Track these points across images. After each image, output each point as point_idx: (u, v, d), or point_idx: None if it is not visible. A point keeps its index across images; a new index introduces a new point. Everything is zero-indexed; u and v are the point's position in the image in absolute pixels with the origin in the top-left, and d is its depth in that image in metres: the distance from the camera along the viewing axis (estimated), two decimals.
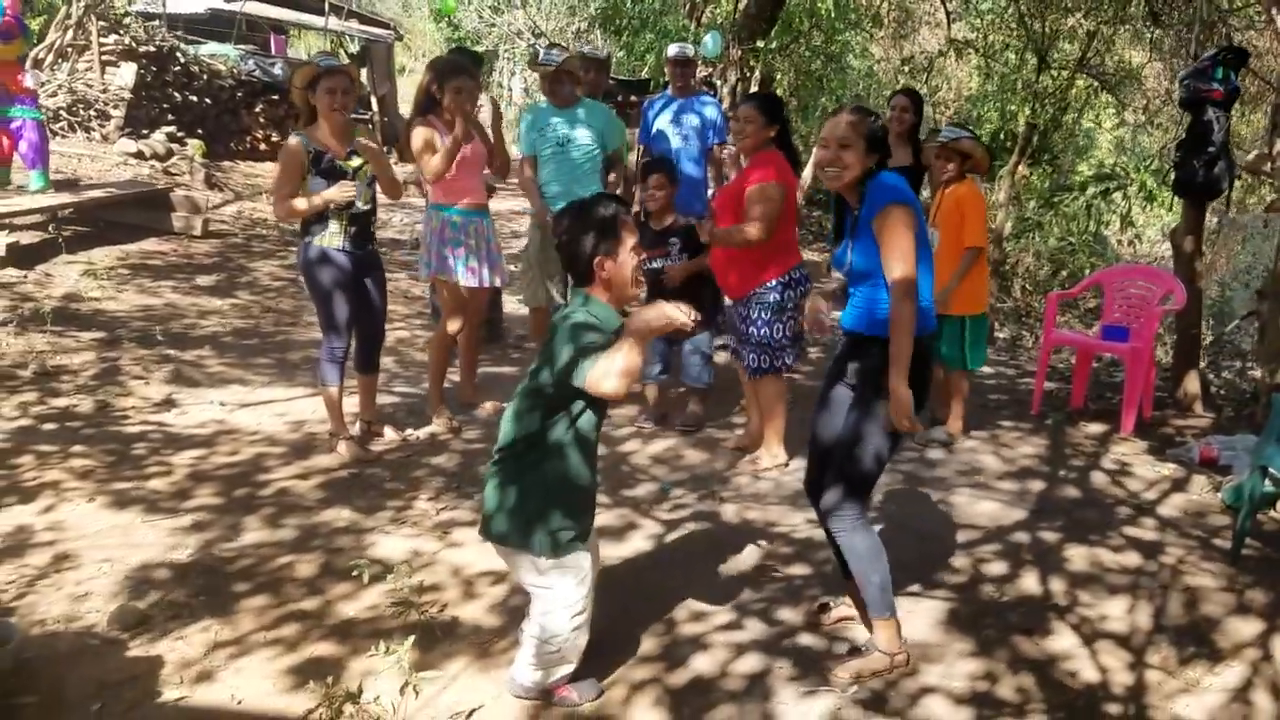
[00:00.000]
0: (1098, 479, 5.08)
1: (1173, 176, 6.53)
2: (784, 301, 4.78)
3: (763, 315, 4.79)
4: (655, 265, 5.47)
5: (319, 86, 4.57)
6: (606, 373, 2.71)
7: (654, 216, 5.56)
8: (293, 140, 4.62)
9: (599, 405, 2.95)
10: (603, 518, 4.36)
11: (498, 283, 5.35)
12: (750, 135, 4.69)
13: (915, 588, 3.86)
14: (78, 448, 4.71)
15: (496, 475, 2.98)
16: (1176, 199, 7.75)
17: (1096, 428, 5.87)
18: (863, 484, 3.21)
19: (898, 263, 3.05)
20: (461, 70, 5.03)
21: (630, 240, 2.97)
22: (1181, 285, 5.87)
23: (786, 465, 5.04)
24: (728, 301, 5.26)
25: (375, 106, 16.95)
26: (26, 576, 3.63)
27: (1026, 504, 4.73)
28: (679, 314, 2.81)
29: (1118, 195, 10.55)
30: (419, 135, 5.00)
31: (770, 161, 4.70)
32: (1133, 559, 4.17)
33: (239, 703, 3.03)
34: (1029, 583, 3.95)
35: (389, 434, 5.14)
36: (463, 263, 5.13)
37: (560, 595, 2.92)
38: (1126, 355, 5.81)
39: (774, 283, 4.77)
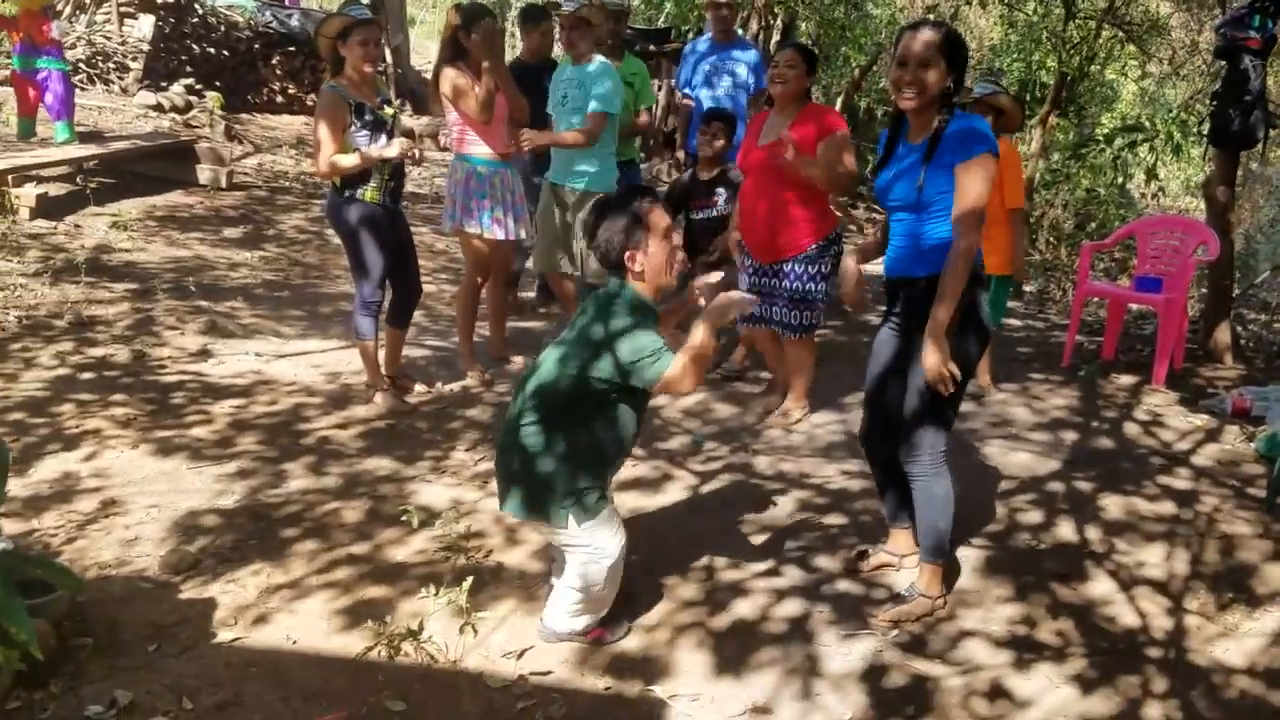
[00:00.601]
0: (1130, 430, 5.10)
1: (1206, 126, 6.46)
2: (823, 255, 4.71)
3: (807, 270, 4.68)
4: (701, 216, 5.43)
5: (352, 37, 4.53)
6: (682, 375, 2.85)
7: (703, 165, 5.52)
8: (330, 92, 4.59)
9: (645, 399, 3.04)
10: (638, 470, 4.41)
11: (522, 235, 5.29)
12: (792, 81, 4.53)
13: (952, 536, 3.89)
14: (117, 396, 4.77)
15: (517, 450, 2.99)
16: (1203, 152, 7.68)
17: (1128, 379, 5.87)
18: (941, 428, 3.19)
19: (972, 220, 2.97)
20: (489, 13, 4.97)
21: (660, 228, 3.01)
22: (1215, 236, 5.84)
23: (810, 417, 5.05)
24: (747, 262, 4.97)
25: (389, 58, 16.81)
26: (75, 522, 3.70)
27: (1060, 454, 4.75)
28: (741, 302, 3.00)
29: (1143, 147, 10.44)
30: (449, 79, 4.95)
31: (829, 113, 4.63)
32: (1168, 507, 4.19)
33: (294, 643, 3.09)
34: (1065, 531, 3.98)
35: (418, 388, 5.17)
36: (489, 214, 5.10)
37: (598, 549, 2.97)
38: (1160, 306, 5.80)
39: (822, 241, 4.69)
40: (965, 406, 5.29)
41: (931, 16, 13.55)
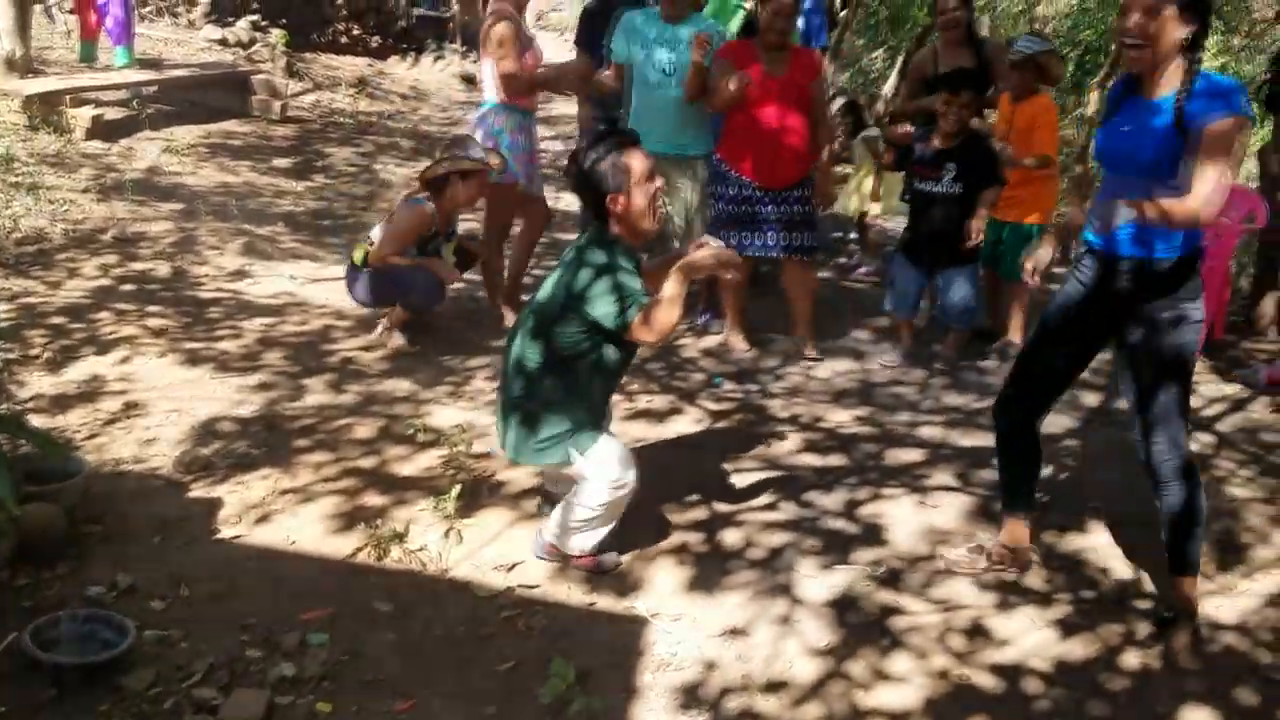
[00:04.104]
0: None
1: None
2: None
3: (805, 193, 4.99)
4: (922, 187, 5.08)
5: (468, 179, 4.71)
6: (651, 323, 2.87)
7: (940, 133, 5.02)
8: (420, 208, 4.76)
9: (631, 343, 3.05)
10: (651, 403, 4.45)
11: (537, 189, 5.30)
12: (791, 29, 4.88)
13: (953, 481, 3.89)
14: (153, 308, 4.91)
15: (516, 409, 3.07)
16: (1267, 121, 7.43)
17: None
18: (1185, 414, 2.97)
19: (1214, 186, 2.61)
20: None
21: (641, 172, 2.99)
22: (1265, 204, 5.68)
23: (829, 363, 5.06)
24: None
25: (455, 4, 16.81)
26: (98, 420, 3.85)
27: (1079, 414, 4.68)
28: (727, 258, 2.99)
29: None
30: (495, 34, 4.86)
31: (810, 53, 5.09)
32: None
33: (292, 543, 3.21)
34: (1071, 486, 3.95)
35: None
36: (526, 166, 5.11)
37: (605, 475, 3.00)
38: (1200, 274, 5.65)
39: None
40: (987, 363, 5.21)
41: None
